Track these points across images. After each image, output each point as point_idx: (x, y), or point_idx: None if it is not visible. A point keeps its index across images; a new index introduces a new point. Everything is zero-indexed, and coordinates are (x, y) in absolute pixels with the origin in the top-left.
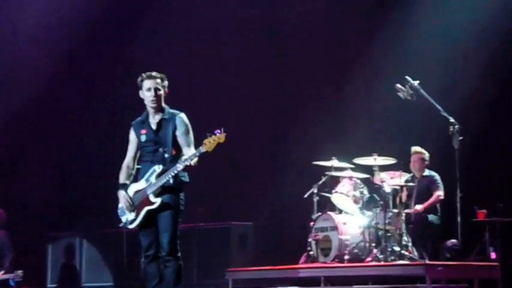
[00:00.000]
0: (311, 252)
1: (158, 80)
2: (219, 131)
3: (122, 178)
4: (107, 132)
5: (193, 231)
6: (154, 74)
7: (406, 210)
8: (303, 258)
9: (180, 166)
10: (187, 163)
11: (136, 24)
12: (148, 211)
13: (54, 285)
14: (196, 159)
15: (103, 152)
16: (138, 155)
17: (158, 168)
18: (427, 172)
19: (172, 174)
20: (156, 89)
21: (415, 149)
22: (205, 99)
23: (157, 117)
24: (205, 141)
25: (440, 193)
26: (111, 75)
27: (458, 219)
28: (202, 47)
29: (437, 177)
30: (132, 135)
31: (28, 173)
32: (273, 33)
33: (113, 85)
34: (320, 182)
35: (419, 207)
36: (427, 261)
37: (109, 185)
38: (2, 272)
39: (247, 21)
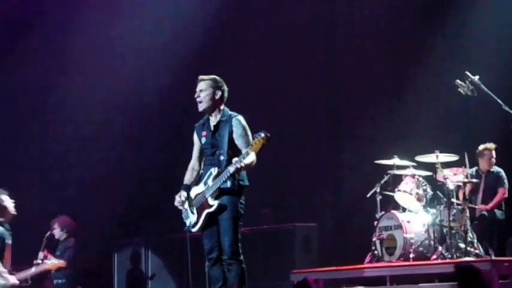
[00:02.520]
0: (376, 252)
1: (203, 83)
2: (263, 132)
3: (186, 180)
4: (170, 138)
5: (258, 233)
6: (203, 76)
7: (471, 205)
8: (367, 258)
9: (231, 169)
10: (238, 165)
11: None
12: (208, 214)
13: None
14: (250, 161)
15: (167, 157)
16: (203, 157)
17: (214, 170)
18: (493, 168)
19: (226, 176)
20: (200, 91)
21: (491, 145)
22: (267, 102)
23: (216, 119)
24: (252, 142)
25: (504, 191)
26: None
27: None
28: (263, 50)
29: (502, 173)
30: (195, 138)
31: (94, 181)
32: (332, 32)
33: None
34: (382, 181)
35: (483, 206)
36: (493, 257)
37: (173, 190)
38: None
39: (308, 23)
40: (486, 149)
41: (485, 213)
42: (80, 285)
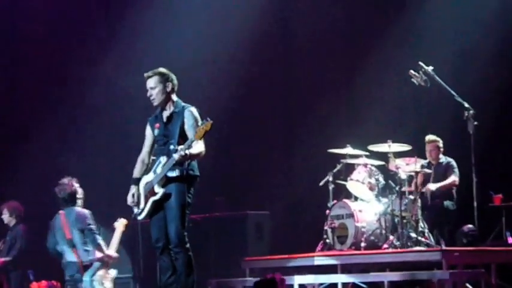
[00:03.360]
0: (327, 240)
1: (151, 80)
2: (207, 119)
3: (135, 172)
4: (121, 128)
5: (210, 220)
6: (149, 73)
7: (420, 189)
8: (319, 247)
9: (176, 156)
10: (182, 153)
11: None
12: (154, 202)
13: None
14: (197, 150)
15: (118, 146)
16: (154, 149)
17: (163, 159)
18: (443, 158)
19: (171, 164)
20: (151, 89)
21: (430, 137)
22: (219, 89)
23: (169, 111)
24: (196, 129)
25: (455, 178)
26: None
27: (475, 204)
28: (214, 37)
29: (453, 162)
30: (148, 130)
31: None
32: (284, 22)
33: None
34: (335, 170)
35: (432, 186)
36: (444, 247)
37: (124, 178)
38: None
39: (259, 11)
40: (426, 141)
41: (436, 202)
42: (31, 269)
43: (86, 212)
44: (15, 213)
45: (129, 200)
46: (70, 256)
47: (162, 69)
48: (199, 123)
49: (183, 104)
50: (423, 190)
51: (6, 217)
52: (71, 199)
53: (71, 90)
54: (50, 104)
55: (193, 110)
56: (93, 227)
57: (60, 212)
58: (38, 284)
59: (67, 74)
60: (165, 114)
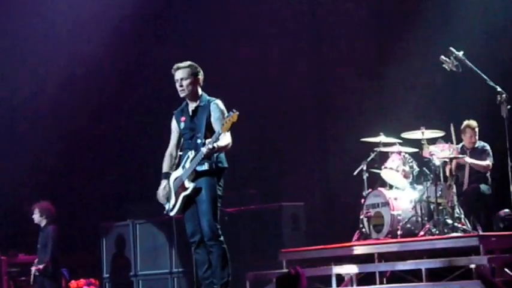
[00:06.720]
0: (363, 230)
1: (183, 71)
2: (232, 111)
3: (165, 167)
4: (152, 121)
5: (245, 213)
6: (180, 64)
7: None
8: (355, 236)
9: (204, 150)
10: (210, 146)
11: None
12: (185, 197)
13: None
14: (224, 143)
15: (149, 141)
16: (181, 143)
17: (191, 153)
18: (478, 143)
19: (200, 158)
20: (182, 80)
21: (472, 123)
22: (250, 81)
23: (194, 104)
24: (223, 121)
25: (490, 163)
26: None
27: (511, 188)
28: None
29: (487, 147)
30: (174, 124)
31: (80, 166)
32: (313, 7)
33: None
34: (369, 159)
35: (468, 159)
36: (481, 233)
37: (157, 173)
38: (38, 266)
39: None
40: (468, 126)
41: (471, 187)
42: (64, 267)
43: None
44: (46, 213)
45: (161, 193)
46: None
47: (192, 63)
48: (226, 115)
49: (208, 97)
50: (459, 161)
51: (37, 217)
52: None
53: None
54: None
55: (219, 102)
56: None
57: None
58: (76, 282)
59: None
60: (191, 107)
